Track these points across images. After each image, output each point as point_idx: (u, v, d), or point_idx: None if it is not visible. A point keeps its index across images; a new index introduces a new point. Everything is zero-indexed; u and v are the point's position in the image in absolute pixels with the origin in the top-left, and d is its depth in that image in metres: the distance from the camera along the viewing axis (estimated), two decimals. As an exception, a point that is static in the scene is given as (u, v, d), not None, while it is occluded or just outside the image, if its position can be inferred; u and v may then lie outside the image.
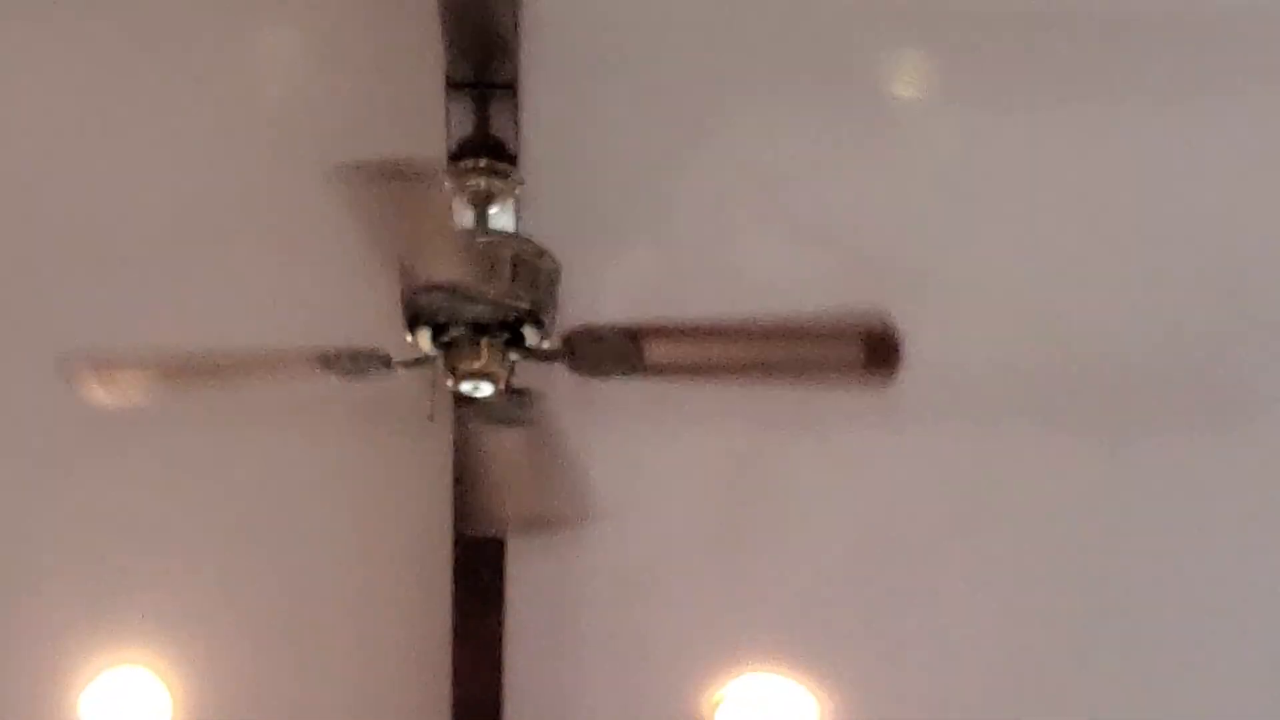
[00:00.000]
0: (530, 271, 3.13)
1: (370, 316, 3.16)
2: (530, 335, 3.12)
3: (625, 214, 3.69)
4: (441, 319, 3.02)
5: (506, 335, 3.09)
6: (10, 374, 3.84)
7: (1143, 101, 3.46)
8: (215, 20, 3.42)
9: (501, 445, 3.21)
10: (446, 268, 2.88)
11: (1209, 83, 3.43)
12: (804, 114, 3.59)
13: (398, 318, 3.03)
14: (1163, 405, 3.86)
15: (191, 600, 4.21)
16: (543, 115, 3.44)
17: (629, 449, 3.78)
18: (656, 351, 3.09)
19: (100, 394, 3.15)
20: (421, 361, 3.11)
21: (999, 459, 3.96)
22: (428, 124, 3.29)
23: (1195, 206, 3.61)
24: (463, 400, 3.15)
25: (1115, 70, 3.41)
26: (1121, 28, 3.31)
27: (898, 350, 2.93)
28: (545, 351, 3.13)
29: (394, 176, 2.51)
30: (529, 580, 4.13)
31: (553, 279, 3.17)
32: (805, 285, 3.57)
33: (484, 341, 3.07)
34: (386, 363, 3.12)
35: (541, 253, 3.14)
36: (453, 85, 3.26)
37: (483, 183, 3.26)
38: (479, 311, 3.03)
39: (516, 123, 3.31)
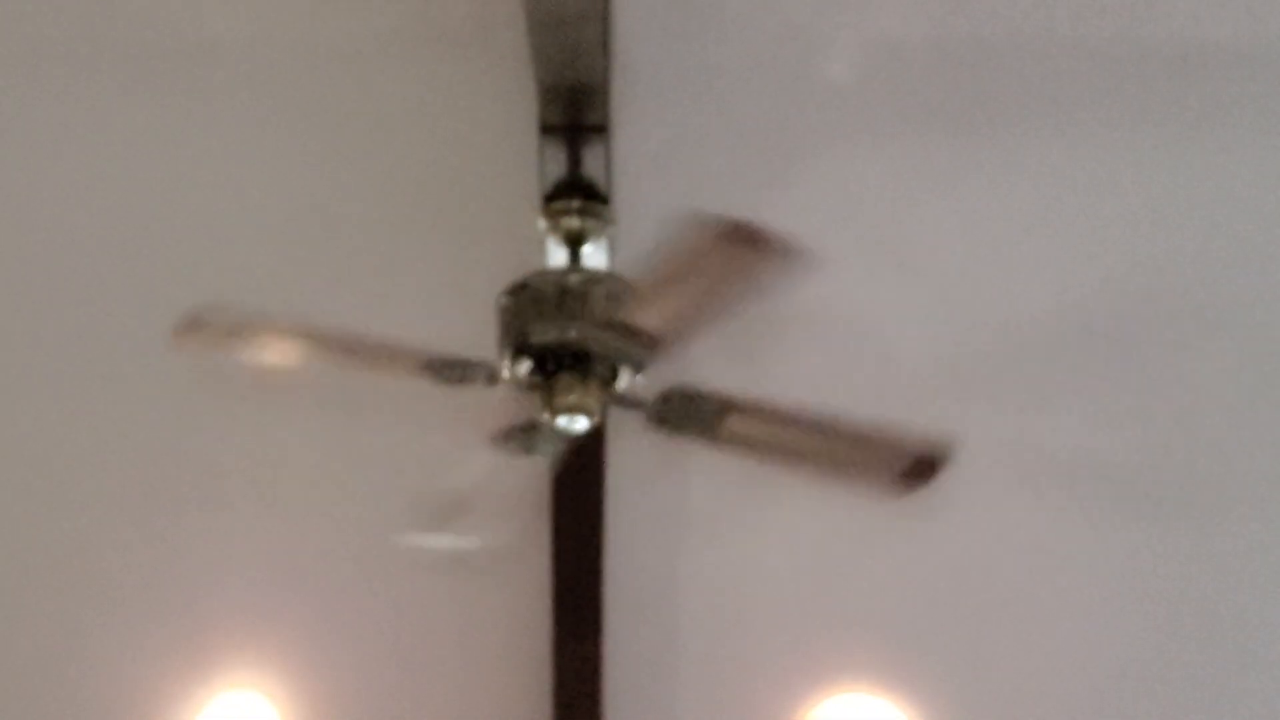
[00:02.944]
0: (621, 308, 3.09)
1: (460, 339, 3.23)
2: (623, 380, 3.16)
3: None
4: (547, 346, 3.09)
5: (604, 373, 3.13)
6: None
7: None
8: (313, 70, 3.59)
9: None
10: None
11: None
12: (891, 155, 3.68)
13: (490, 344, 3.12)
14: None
15: (300, 626, 4.32)
16: (635, 157, 3.51)
17: (726, 486, 3.85)
18: (736, 426, 3.19)
19: (218, 351, 3.19)
20: (524, 384, 3.16)
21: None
22: (524, 166, 3.38)
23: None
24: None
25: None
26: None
27: (937, 472, 3.15)
28: (631, 400, 3.18)
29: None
30: (626, 603, 4.22)
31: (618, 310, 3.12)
32: (890, 319, 3.68)
33: (580, 375, 3.10)
34: (492, 377, 3.15)
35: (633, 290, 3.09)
36: (545, 129, 3.34)
37: (576, 222, 3.34)
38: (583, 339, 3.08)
39: (608, 164, 3.37)
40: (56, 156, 3.76)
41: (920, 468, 3.18)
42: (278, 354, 3.19)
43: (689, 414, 3.17)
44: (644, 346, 3.03)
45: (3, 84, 3.60)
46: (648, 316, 2.95)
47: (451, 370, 3.16)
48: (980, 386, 3.95)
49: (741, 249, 2.64)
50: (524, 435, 3.22)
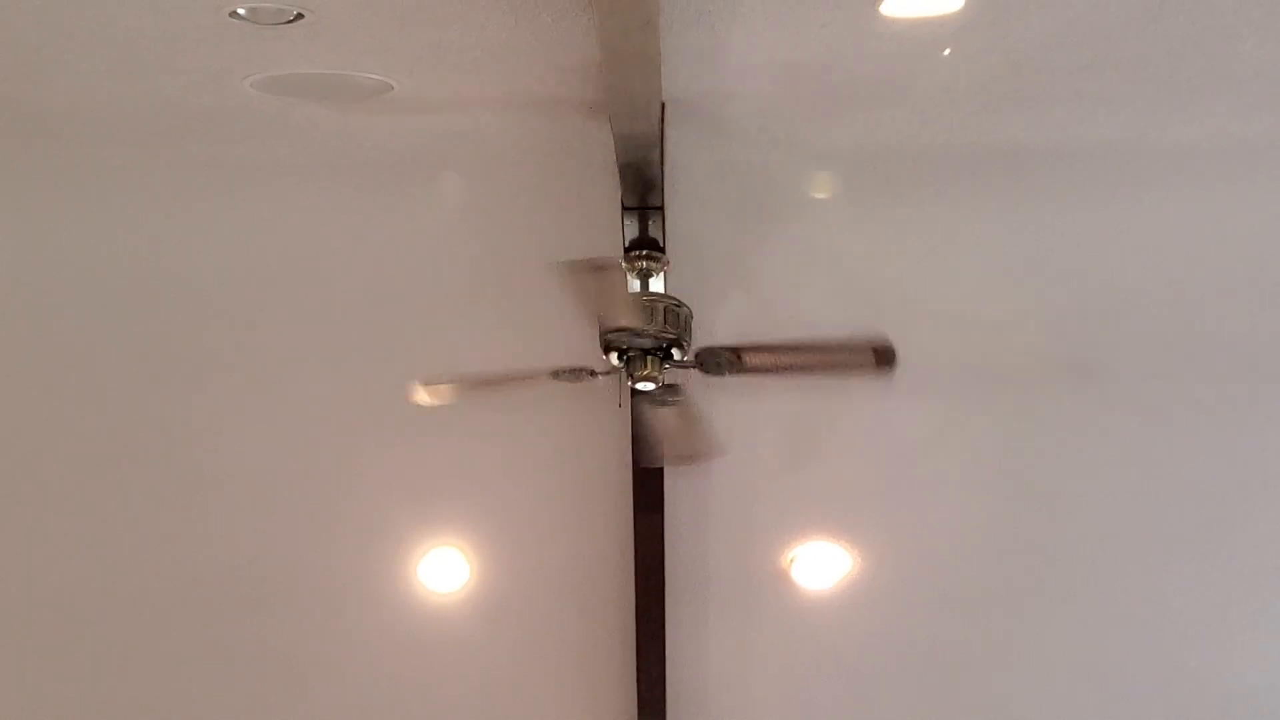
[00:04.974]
0: (675, 316, 4.46)
1: (578, 350, 4.74)
2: (676, 354, 4.48)
3: (731, 281, 5.19)
4: (623, 346, 4.48)
5: (661, 354, 4.47)
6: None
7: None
8: (476, 176, 5.11)
9: (663, 417, 4.69)
10: (626, 318, 4.41)
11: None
12: (859, 217, 5.13)
13: (597, 349, 4.58)
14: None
15: (477, 510, 6.01)
16: (681, 225, 4.94)
17: (734, 407, 5.36)
18: (752, 360, 4.51)
19: (427, 398, 4.73)
20: (612, 372, 4.56)
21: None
22: (611, 233, 4.83)
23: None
24: (637, 393, 4.69)
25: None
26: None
27: (895, 359, 4.38)
28: (684, 363, 4.53)
29: (590, 268, 3.92)
30: (682, 490, 5.83)
31: (688, 320, 4.48)
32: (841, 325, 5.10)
33: (649, 358, 4.46)
34: (592, 374, 4.59)
35: (681, 304, 4.47)
36: (625, 208, 4.72)
37: (645, 265, 4.69)
38: (645, 341, 4.44)
39: (664, 229, 4.74)
40: (255, 240, 5.27)
41: (886, 354, 4.32)
42: (468, 395, 4.68)
43: (722, 361, 4.48)
44: (735, 369, 4.42)
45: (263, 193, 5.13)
46: (758, 358, 4.36)
47: (569, 374, 4.58)
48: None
49: (865, 358, 3.89)
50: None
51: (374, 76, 4.33)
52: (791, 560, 6.27)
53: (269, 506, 6.07)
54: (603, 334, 4.46)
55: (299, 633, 6.37)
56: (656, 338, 4.41)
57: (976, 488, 6.01)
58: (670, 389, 4.59)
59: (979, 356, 5.66)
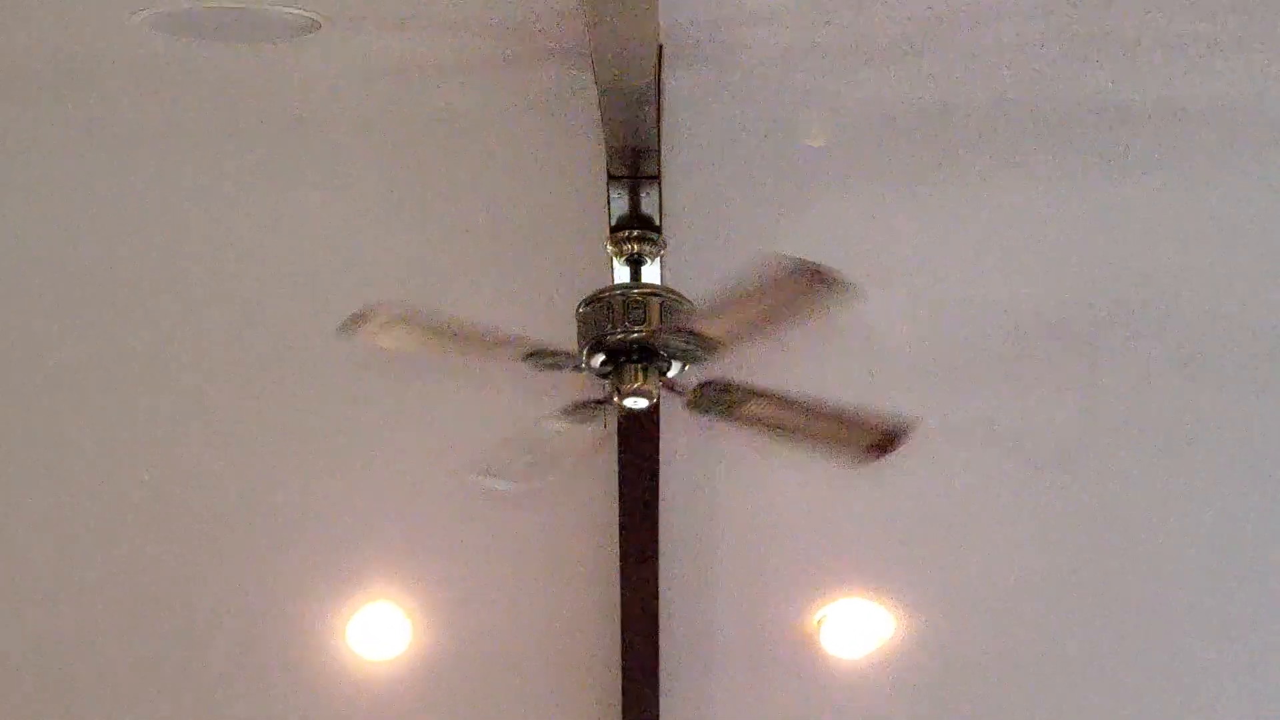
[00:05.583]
0: (672, 315, 3.97)
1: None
2: (675, 368, 4.02)
3: (741, 267, 4.50)
4: (614, 347, 3.96)
5: (662, 365, 4.00)
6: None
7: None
8: (437, 137, 4.60)
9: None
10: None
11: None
12: (900, 190, 4.68)
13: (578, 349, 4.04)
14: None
15: (422, 551, 5.51)
16: (679, 198, 4.50)
17: (746, 438, 4.69)
18: (753, 409, 4.06)
19: (377, 340, 4.01)
20: (596, 374, 4.03)
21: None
22: (594, 208, 4.35)
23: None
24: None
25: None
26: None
27: (895, 447, 4.01)
28: (676, 385, 4.05)
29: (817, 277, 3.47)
30: (681, 534, 5.38)
31: (690, 321, 3.95)
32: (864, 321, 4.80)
33: (643, 368, 3.96)
34: (577, 367, 4.04)
35: (681, 299, 4.00)
36: (612, 177, 4.28)
37: (636, 248, 4.22)
38: (665, 340, 3.95)
39: (660, 204, 4.31)
40: (248, 220, 4.80)
41: (887, 441, 4.05)
42: (418, 341, 4.04)
43: (718, 400, 4.04)
44: (706, 349, 3.91)
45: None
46: (715, 327, 3.82)
47: (547, 358, 4.01)
48: (944, 372, 5.01)
49: (807, 283, 3.45)
50: (588, 409, 4.13)
51: (295, 11, 3.96)
52: (820, 621, 5.81)
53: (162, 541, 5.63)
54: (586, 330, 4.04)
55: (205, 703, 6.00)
56: (672, 346, 3.94)
57: (1042, 532, 5.51)
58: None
59: (1041, 360, 5.08)
